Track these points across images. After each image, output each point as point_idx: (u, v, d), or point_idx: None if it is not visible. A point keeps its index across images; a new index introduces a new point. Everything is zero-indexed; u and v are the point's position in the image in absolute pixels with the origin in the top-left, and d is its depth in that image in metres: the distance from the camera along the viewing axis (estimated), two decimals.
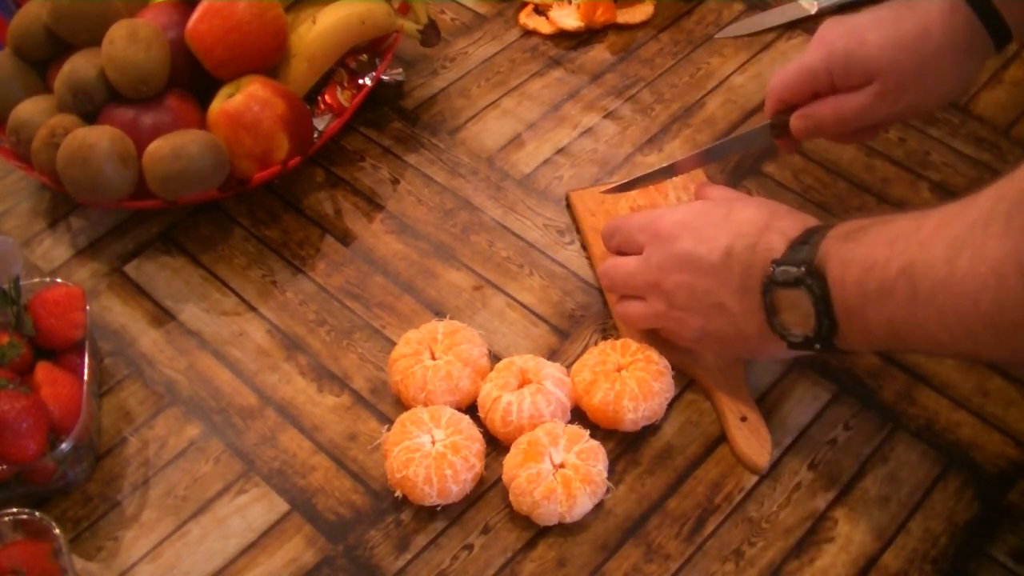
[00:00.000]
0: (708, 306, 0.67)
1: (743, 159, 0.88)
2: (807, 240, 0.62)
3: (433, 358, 0.73)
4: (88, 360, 0.71)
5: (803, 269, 0.60)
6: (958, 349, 0.56)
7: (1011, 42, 0.71)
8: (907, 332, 0.57)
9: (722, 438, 0.71)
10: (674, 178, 0.79)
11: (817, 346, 0.63)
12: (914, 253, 0.55)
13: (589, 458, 0.66)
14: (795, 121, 0.75)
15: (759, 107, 0.92)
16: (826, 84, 0.73)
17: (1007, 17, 0.70)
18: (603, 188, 0.81)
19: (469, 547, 0.67)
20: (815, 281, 0.60)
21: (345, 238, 0.85)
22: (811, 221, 0.65)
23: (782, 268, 0.62)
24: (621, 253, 0.74)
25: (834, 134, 0.77)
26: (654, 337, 0.74)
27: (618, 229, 0.74)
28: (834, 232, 0.61)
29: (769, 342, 0.66)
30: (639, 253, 0.71)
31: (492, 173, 0.89)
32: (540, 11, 1.01)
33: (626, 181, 0.79)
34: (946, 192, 0.84)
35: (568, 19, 0.99)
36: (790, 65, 0.74)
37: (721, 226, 0.67)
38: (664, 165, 0.78)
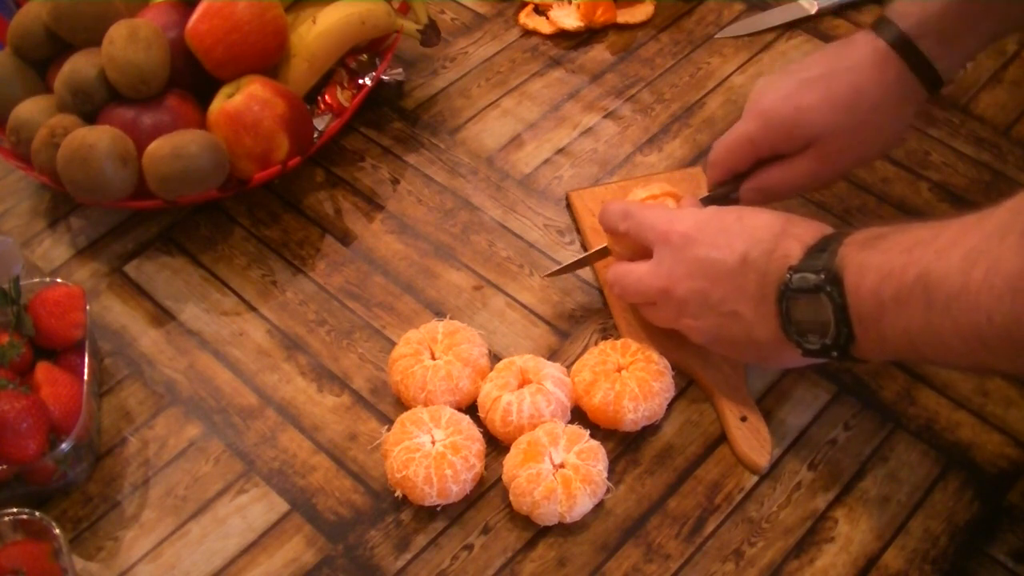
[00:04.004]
0: (721, 314, 0.66)
1: None
2: (824, 247, 0.61)
3: (433, 358, 0.73)
4: (88, 360, 0.71)
5: (822, 276, 0.60)
6: (974, 360, 0.55)
7: (943, 86, 0.72)
8: (923, 341, 0.57)
9: (722, 438, 0.71)
10: (656, 192, 0.77)
11: (834, 354, 0.62)
12: (930, 261, 0.55)
13: (589, 458, 0.66)
14: (746, 194, 0.76)
15: None
16: (766, 151, 0.73)
17: (937, 64, 0.71)
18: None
19: (469, 547, 0.67)
20: (834, 288, 0.59)
21: (345, 238, 0.85)
22: (827, 229, 0.64)
23: (800, 275, 0.61)
24: (628, 239, 0.73)
25: (783, 199, 0.79)
26: (654, 337, 0.74)
27: (630, 215, 0.72)
28: (851, 239, 0.61)
29: (783, 349, 0.65)
30: (647, 249, 0.70)
31: (492, 173, 0.89)
32: (540, 11, 1.01)
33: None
34: (946, 192, 0.84)
35: (568, 19, 0.99)
36: (729, 135, 0.75)
37: (735, 232, 0.66)
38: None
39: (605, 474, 0.67)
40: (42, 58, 0.87)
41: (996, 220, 0.53)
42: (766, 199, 0.75)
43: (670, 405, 0.72)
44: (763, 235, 0.64)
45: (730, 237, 0.65)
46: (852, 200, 0.84)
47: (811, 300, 0.61)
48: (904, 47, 0.70)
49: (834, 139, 0.71)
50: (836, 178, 0.82)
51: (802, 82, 0.72)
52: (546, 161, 0.89)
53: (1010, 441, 0.70)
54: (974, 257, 0.53)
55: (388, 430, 0.70)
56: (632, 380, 0.70)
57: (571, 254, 0.82)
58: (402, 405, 0.73)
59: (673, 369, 0.72)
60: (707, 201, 0.76)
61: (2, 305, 0.72)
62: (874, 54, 0.71)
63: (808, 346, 0.63)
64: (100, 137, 0.78)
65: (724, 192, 0.77)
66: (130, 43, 0.80)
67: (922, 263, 0.55)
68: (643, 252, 0.71)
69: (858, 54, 0.71)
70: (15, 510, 0.64)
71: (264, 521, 0.69)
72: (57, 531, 0.63)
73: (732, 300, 0.65)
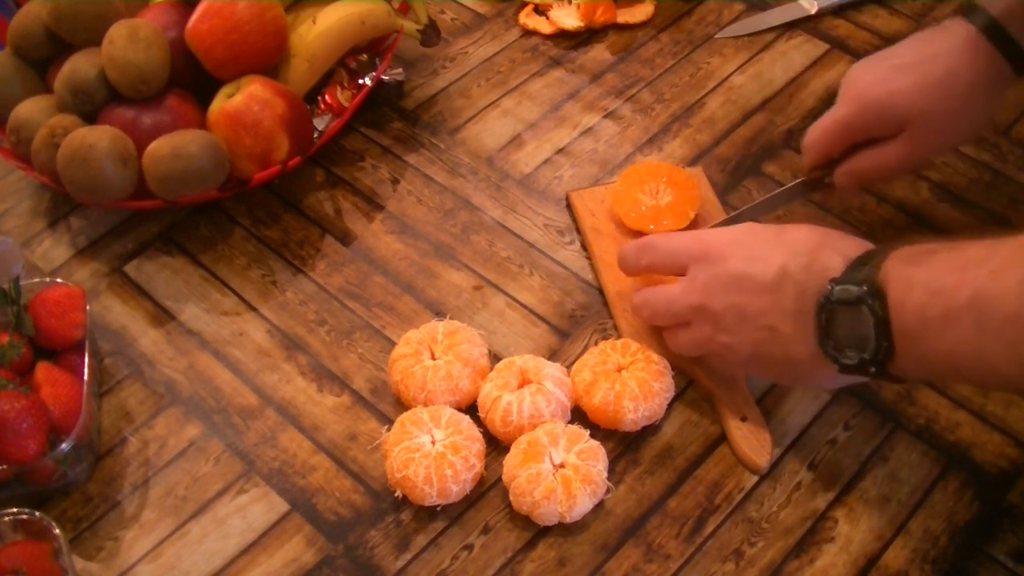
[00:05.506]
0: (758, 329, 0.65)
1: (743, 159, 0.88)
2: (867, 260, 0.60)
3: (433, 358, 0.73)
4: (88, 360, 0.71)
5: (864, 288, 0.58)
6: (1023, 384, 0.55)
7: None
8: (969, 363, 0.55)
9: (722, 438, 0.71)
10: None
11: (872, 370, 0.60)
12: (984, 282, 0.53)
13: (589, 458, 0.66)
14: (840, 178, 0.76)
15: (759, 107, 0.92)
16: (862, 135, 0.74)
17: None
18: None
19: (469, 547, 0.67)
20: (876, 301, 0.58)
21: (345, 238, 0.85)
22: (868, 244, 0.63)
23: (841, 287, 0.60)
24: (652, 272, 0.72)
25: (876, 183, 0.80)
26: (655, 337, 0.74)
27: (653, 247, 0.71)
28: (896, 254, 0.59)
29: (819, 366, 0.63)
30: (680, 273, 0.69)
31: (492, 173, 0.89)
32: (540, 11, 1.01)
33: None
34: (946, 192, 0.84)
35: (568, 19, 0.99)
36: (825, 119, 0.76)
37: (774, 245, 0.65)
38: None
39: (605, 474, 0.67)
40: (42, 58, 0.87)
41: None
42: (859, 183, 0.77)
43: (670, 405, 0.72)
44: (802, 248, 0.64)
45: (768, 250, 0.65)
46: (852, 200, 0.84)
47: (851, 313, 0.59)
48: (994, 32, 0.71)
49: (927, 122, 0.72)
50: (926, 161, 0.84)
51: (896, 67, 0.73)
52: (546, 161, 0.89)
53: (1010, 441, 0.70)
54: None
55: (388, 430, 0.70)
56: (632, 380, 0.70)
57: (571, 254, 0.82)
58: (402, 405, 0.73)
59: (673, 369, 0.72)
60: (802, 184, 0.79)
61: (2, 305, 0.72)
62: (965, 40, 0.71)
63: (845, 361, 0.61)
64: (100, 137, 0.78)
65: (818, 176, 0.78)
66: (130, 43, 0.80)
67: (975, 283, 0.53)
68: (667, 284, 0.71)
69: (950, 40, 0.72)
70: (15, 510, 0.64)
71: (264, 521, 0.69)
72: (57, 531, 0.63)
73: (769, 314, 0.64)
